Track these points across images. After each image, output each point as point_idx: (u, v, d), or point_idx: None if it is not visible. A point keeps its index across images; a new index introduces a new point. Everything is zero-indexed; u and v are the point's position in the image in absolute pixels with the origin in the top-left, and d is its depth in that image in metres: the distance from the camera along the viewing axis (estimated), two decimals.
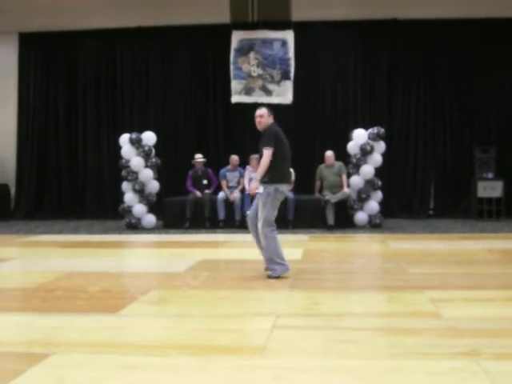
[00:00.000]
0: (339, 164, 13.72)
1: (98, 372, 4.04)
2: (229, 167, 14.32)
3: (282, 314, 5.58)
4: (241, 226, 13.48)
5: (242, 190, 13.83)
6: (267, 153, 7.40)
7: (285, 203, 13.14)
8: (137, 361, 4.26)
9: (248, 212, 8.04)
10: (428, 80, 16.20)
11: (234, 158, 14.28)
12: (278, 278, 7.43)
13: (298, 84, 15.59)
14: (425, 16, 15.69)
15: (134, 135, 13.96)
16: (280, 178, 7.52)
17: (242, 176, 14.07)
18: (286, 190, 7.66)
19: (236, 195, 13.70)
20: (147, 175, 13.97)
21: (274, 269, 7.51)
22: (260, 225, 7.48)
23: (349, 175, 13.73)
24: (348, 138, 14.13)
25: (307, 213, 13.78)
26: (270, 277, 7.47)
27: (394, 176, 16.02)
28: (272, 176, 7.46)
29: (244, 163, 14.21)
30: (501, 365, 4.04)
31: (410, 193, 16.29)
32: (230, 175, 14.23)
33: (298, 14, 14.93)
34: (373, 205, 13.67)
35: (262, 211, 7.46)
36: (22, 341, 4.84)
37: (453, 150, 16.17)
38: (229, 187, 14.06)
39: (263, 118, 7.69)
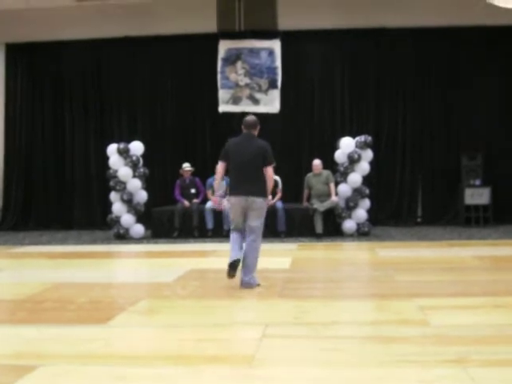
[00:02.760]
0: (327, 172, 13.75)
1: (87, 383, 4.03)
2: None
3: (271, 323, 5.58)
4: (229, 235, 13.47)
5: None
6: (218, 166, 7.87)
7: (274, 214, 13.17)
8: (126, 372, 4.25)
9: None
10: (415, 88, 16.24)
11: None
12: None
13: (285, 93, 15.62)
14: (412, 24, 15.73)
15: (122, 145, 13.94)
16: (229, 190, 7.82)
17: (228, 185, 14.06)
18: (235, 201, 7.57)
19: (225, 204, 13.70)
20: (135, 185, 13.95)
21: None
22: None
23: (336, 183, 13.74)
24: (335, 147, 14.15)
25: (295, 221, 13.78)
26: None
27: (381, 184, 16.04)
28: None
29: None
30: (488, 372, 4.06)
31: (397, 200, 16.30)
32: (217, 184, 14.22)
33: (284, 23, 14.97)
34: (361, 213, 13.69)
35: None
36: (10, 353, 4.82)
37: (440, 158, 16.20)
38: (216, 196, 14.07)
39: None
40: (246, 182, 7.48)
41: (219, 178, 8.12)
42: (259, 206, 7.50)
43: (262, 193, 7.55)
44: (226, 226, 13.64)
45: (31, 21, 16.28)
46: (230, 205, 7.74)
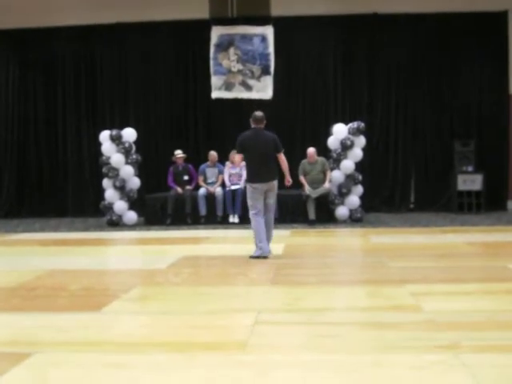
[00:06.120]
0: (322, 160, 13.68)
1: (81, 370, 4.04)
2: (208, 163, 14.32)
3: (264, 309, 5.59)
4: (223, 221, 13.53)
5: (223, 185, 13.87)
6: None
7: None
8: (119, 359, 4.26)
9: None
10: (408, 74, 16.23)
11: (213, 155, 14.28)
12: (256, 257, 8.59)
13: (278, 79, 15.61)
14: (405, 10, 15.72)
15: (115, 132, 13.92)
16: (249, 178, 8.97)
17: (221, 172, 14.09)
18: (258, 185, 8.76)
19: (217, 190, 13.72)
20: (128, 172, 13.93)
21: (255, 250, 8.73)
22: (249, 213, 8.91)
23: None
24: (328, 133, 14.16)
25: (288, 208, 13.80)
26: (250, 256, 8.71)
27: (374, 170, 16.06)
28: (246, 176, 9.25)
29: (225, 159, 14.21)
30: (480, 357, 4.08)
31: (390, 187, 16.34)
32: (209, 171, 14.23)
33: (277, 10, 14.95)
34: (354, 199, 13.71)
35: (248, 203, 8.95)
36: (4, 340, 4.81)
37: (433, 144, 16.24)
38: (208, 183, 14.07)
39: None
40: (265, 170, 8.80)
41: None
42: (276, 187, 9.00)
43: (277, 176, 8.96)
44: (219, 212, 13.68)
45: (21, 7, 16.19)
46: (250, 189, 8.84)
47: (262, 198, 8.81)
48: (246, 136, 8.89)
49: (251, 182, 8.83)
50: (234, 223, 13.40)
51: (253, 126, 8.92)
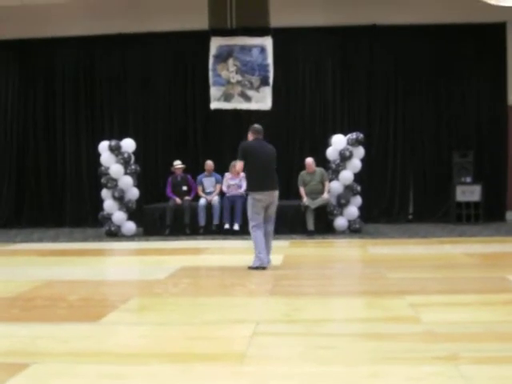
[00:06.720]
0: (321, 170, 13.65)
1: (80, 381, 4.04)
2: (205, 173, 14.32)
3: (262, 320, 5.59)
4: (219, 230, 13.49)
5: (221, 194, 13.87)
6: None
7: None
8: (118, 370, 4.26)
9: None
10: (407, 85, 16.25)
11: (209, 164, 14.28)
12: (255, 268, 8.54)
13: (276, 90, 15.61)
14: (404, 22, 15.74)
15: (114, 142, 13.93)
16: (252, 187, 8.79)
17: (218, 181, 14.06)
18: (262, 197, 8.66)
19: (214, 199, 13.70)
20: (127, 182, 13.93)
21: (254, 260, 8.65)
22: (249, 224, 8.83)
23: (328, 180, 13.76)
24: (327, 144, 14.16)
25: (287, 219, 13.75)
26: (249, 267, 8.66)
27: (373, 181, 16.06)
28: (247, 186, 9.06)
29: (223, 169, 14.21)
30: (479, 369, 4.08)
31: (389, 198, 16.33)
32: (206, 181, 14.22)
33: (276, 21, 14.94)
34: (352, 210, 13.71)
35: (248, 214, 8.86)
36: (2, 351, 4.80)
37: (431, 155, 16.24)
38: (206, 193, 14.04)
39: (248, 136, 9.09)
40: (269, 178, 8.82)
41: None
42: (277, 197, 8.97)
43: (278, 186, 9.01)
44: (215, 221, 13.65)
45: (23, 18, 16.22)
46: (252, 201, 8.70)
47: (263, 212, 8.73)
48: (250, 143, 8.94)
49: (254, 191, 8.69)
50: (234, 230, 13.33)
51: (254, 136, 8.96)
